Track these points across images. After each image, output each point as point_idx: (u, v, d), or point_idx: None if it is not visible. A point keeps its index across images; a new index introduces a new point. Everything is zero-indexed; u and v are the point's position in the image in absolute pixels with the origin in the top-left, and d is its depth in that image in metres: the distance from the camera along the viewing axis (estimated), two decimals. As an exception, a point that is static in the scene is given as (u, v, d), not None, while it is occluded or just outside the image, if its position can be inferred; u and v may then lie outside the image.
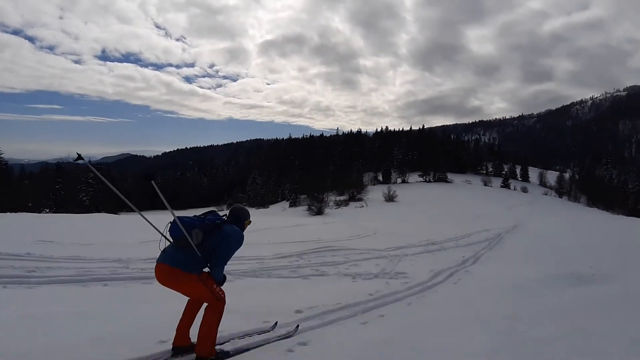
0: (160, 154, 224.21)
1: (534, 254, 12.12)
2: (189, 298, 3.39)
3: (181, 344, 3.32)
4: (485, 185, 76.38)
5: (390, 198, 54.45)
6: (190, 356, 3.21)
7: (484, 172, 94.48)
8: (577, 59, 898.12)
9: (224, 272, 3.35)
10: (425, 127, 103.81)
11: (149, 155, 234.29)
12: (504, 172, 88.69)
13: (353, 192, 59.50)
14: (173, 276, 3.08)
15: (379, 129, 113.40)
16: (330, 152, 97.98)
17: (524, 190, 75.36)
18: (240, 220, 3.47)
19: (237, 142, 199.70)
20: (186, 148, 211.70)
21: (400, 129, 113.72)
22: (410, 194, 60.63)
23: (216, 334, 3.23)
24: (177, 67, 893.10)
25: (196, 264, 3.13)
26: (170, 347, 3.33)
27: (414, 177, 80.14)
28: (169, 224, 3.12)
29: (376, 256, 10.55)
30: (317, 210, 47.59)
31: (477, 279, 7.80)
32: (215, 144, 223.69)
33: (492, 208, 46.71)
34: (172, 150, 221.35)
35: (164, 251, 3.20)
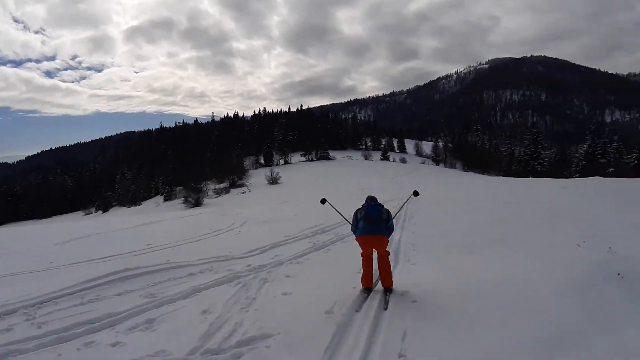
0: (23, 158, 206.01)
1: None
2: (362, 259, 5.33)
3: (369, 285, 5.25)
4: (366, 159, 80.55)
5: (273, 180, 54.14)
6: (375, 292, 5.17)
7: (364, 147, 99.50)
8: (441, 37, 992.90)
9: None
10: (303, 107, 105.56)
11: (12, 161, 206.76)
12: (382, 146, 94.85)
13: (234, 178, 58.04)
14: (381, 240, 5.25)
15: (256, 112, 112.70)
16: (207, 139, 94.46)
17: (403, 161, 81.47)
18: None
19: (106, 137, 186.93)
20: (51, 149, 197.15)
21: (279, 110, 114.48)
22: (294, 175, 60.88)
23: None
24: (37, 61, 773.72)
25: (386, 230, 5.35)
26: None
27: (296, 157, 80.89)
28: (366, 208, 5.35)
29: (220, 277, 6.34)
30: (195, 201, 45.36)
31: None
32: (82, 141, 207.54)
33: (375, 180, 49.04)
34: (36, 153, 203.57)
35: (365, 228, 5.20)
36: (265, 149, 79.21)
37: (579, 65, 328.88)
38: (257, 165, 76.55)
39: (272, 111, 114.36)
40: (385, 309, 4.60)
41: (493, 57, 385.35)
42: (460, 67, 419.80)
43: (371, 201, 5.42)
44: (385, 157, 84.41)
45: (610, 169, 54.00)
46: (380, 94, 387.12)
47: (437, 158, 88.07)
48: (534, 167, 66.33)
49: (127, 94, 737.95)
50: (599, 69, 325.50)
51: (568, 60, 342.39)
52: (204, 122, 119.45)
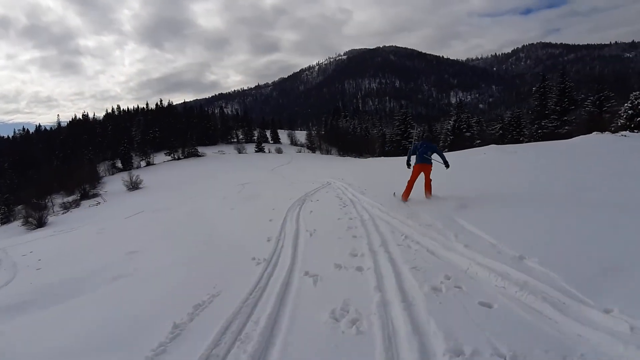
0: None
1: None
2: (410, 181, 8.41)
3: (427, 196, 8.20)
4: (240, 153, 75.56)
5: (134, 185, 46.54)
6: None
7: (236, 140, 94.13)
8: (299, 30, 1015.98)
9: None
10: (163, 102, 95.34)
11: None
12: (255, 138, 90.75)
13: (85, 188, 48.79)
14: (429, 167, 8.26)
15: (109, 111, 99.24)
16: (52, 147, 79.90)
17: (279, 151, 78.15)
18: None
19: None
20: None
21: (136, 108, 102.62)
22: (159, 176, 53.64)
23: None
24: None
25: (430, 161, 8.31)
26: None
27: (160, 157, 72.63)
28: (420, 149, 8.30)
29: None
30: (38, 221, 36.28)
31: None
32: None
33: (255, 173, 44.90)
34: None
35: (422, 159, 8.20)
36: (122, 151, 68.77)
37: (425, 54, 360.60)
38: (113, 170, 66.16)
39: (128, 109, 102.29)
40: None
41: (350, 49, 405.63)
42: (321, 59, 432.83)
43: (425, 141, 8.56)
44: (260, 149, 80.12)
45: (478, 141, 57.56)
46: (245, 88, 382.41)
47: (312, 146, 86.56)
48: (405, 146, 68.17)
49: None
50: (442, 56, 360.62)
51: (415, 49, 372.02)
52: (49, 128, 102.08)
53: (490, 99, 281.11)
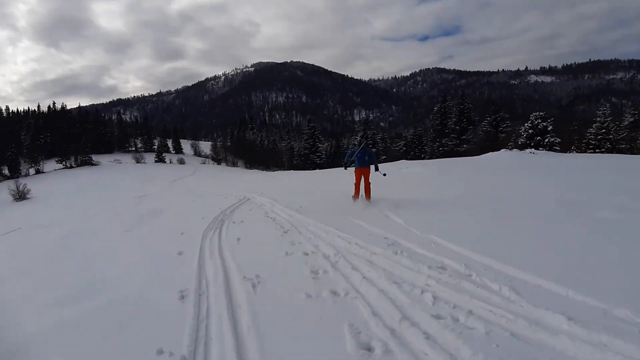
0: None
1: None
2: (362, 182, 9.50)
3: (367, 198, 9.37)
4: (138, 162, 71.78)
5: (21, 195, 42.19)
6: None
7: (134, 149, 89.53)
8: (206, 39, 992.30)
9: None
10: (56, 105, 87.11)
11: None
12: (155, 147, 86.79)
13: (-46, 197, 43.23)
14: (368, 170, 9.48)
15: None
16: None
17: (181, 161, 75.44)
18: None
19: None
20: None
21: (26, 110, 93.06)
22: (49, 186, 49.14)
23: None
24: None
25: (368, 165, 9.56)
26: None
27: (51, 165, 66.42)
28: (358, 154, 9.73)
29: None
30: None
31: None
32: None
33: (155, 185, 43.17)
34: None
35: (361, 163, 9.52)
36: (10, 157, 61.54)
37: (331, 72, 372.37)
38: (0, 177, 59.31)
39: (18, 110, 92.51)
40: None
41: (258, 61, 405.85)
42: (227, 69, 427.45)
43: (361, 146, 9.89)
44: (160, 159, 76.77)
45: (383, 157, 60.86)
46: (146, 94, 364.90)
47: (217, 157, 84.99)
48: (314, 160, 70.06)
49: None
50: (347, 75, 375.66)
51: (322, 66, 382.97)
52: None
53: (391, 118, 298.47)
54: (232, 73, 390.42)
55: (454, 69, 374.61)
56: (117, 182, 48.78)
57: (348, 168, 10.21)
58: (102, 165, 68.01)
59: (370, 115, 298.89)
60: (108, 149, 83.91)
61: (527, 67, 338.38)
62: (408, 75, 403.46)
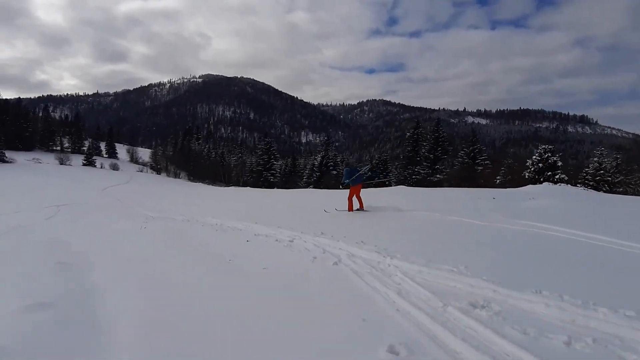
0: None
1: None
2: (350, 197, 11.12)
3: (361, 208, 10.95)
4: (61, 163, 61.55)
5: None
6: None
7: (59, 148, 78.14)
8: (152, 45, 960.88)
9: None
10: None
11: None
12: (84, 149, 76.25)
13: None
14: (360, 186, 11.07)
15: None
16: None
17: (115, 167, 65.87)
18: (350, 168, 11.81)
19: None
20: None
21: None
22: None
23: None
24: None
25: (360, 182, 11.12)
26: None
27: (-53, 157, 54.68)
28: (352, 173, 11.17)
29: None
30: None
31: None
32: None
33: (80, 192, 34.33)
34: None
35: (354, 181, 10.97)
36: None
37: (281, 91, 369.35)
38: None
39: None
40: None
41: (206, 73, 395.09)
42: (174, 78, 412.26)
43: (352, 167, 11.60)
44: (90, 162, 66.56)
45: (346, 180, 55.20)
46: (81, 93, 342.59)
47: (157, 166, 75.49)
48: (267, 178, 63.29)
49: None
50: (297, 97, 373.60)
51: (272, 85, 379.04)
52: None
53: (337, 143, 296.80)
54: (179, 82, 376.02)
55: (399, 103, 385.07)
56: (30, 184, 39.07)
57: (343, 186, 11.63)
58: (17, 163, 57.02)
59: (317, 138, 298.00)
60: (27, 146, 72.34)
61: (465, 108, 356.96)
62: (355, 104, 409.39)
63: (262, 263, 5.21)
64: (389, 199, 15.25)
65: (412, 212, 10.13)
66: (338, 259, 5.25)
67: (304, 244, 6.43)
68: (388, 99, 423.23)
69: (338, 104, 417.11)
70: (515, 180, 35.51)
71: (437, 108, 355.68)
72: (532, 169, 32.02)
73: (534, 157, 32.35)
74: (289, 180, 63.01)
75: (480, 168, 44.10)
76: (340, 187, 12.09)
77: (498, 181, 38.52)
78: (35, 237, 9.28)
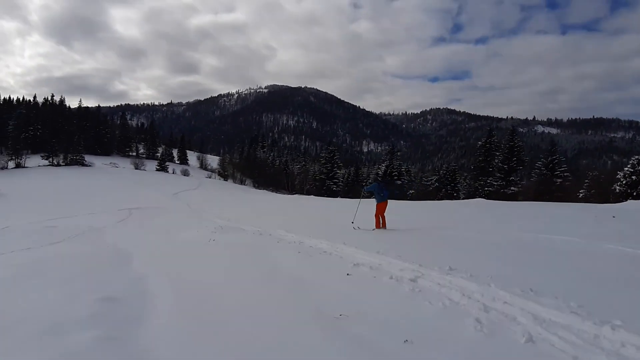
0: None
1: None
2: (376, 214, 10.53)
3: (384, 227, 10.35)
4: (136, 168, 64.08)
5: (-19, 190, 34.00)
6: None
7: (135, 154, 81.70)
8: (221, 57, 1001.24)
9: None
10: (54, 98, 79.49)
11: None
12: (158, 155, 79.25)
13: None
14: (385, 204, 10.51)
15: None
16: None
17: (185, 173, 67.65)
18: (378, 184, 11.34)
19: None
20: None
21: (19, 99, 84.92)
22: (25, 183, 41.49)
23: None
24: None
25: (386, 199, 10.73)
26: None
27: (35, 160, 58.40)
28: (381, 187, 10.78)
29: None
30: None
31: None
32: None
33: (151, 196, 34.96)
34: None
35: (381, 198, 10.46)
36: None
37: (343, 101, 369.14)
38: (-32, 167, 50.86)
39: (10, 98, 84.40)
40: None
41: (272, 83, 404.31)
42: (241, 88, 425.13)
43: (382, 185, 11.03)
44: (163, 168, 68.87)
45: (411, 191, 53.07)
46: (156, 103, 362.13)
47: (225, 173, 76.86)
48: (330, 187, 62.25)
49: None
50: (359, 106, 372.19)
51: (335, 95, 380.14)
52: None
53: (399, 153, 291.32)
54: (246, 92, 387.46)
55: (464, 111, 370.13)
56: (109, 188, 40.56)
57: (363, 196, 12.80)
58: (95, 167, 60.21)
59: (379, 147, 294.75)
60: (106, 151, 76.39)
61: (534, 117, 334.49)
62: (418, 112, 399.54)
63: (395, 328, 3.35)
64: (487, 217, 13.10)
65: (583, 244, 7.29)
66: (527, 333, 3.11)
67: (439, 289, 4.33)
68: (452, 108, 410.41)
69: (400, 113, 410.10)
70: (601, 194, 32.13)
71: (504, 117, 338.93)
72: (624, 182, 28.53)
73: (626, 168, 28.89)
74: (352, 189, 61.61)
75: (559, 180, 40.41)
76: (362, 195, 12.02)
77: (581, 195, 35.09)
78: (99, 244, 8.55)
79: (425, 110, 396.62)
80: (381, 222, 10.32)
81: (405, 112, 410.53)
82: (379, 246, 7.07)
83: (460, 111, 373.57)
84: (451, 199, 44.23)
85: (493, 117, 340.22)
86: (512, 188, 44.70)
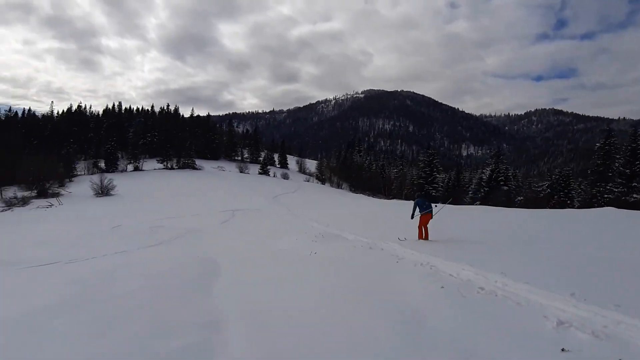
0: None
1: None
2: (420, 225, 10.08)
3: (426, 238, 9.90)
4: (241, 172, 66.35)
5: (103, 191, 36.85)
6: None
7: (240, 158, 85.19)
8: (319, 65, 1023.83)
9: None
10: (169, 107, 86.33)
11: None
12: (260, 159, 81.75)
13: (44, 184, 39.11)
14: (429, 216, 10.05)
15: (110, 107, 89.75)
16: (35, 135, 69.45)
17: (285, 176, 68.68)
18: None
19: None
20: None
21: (139, 108, 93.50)
22: (141, 185, 44.43)
23: None
24: None
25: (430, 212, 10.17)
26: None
27: (151, 164, 63.07)
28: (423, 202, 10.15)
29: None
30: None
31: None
32: None
33: (253, 198, 35.29)
34: None
35: (425, 211, 9.97)
36: (108, 150, 58.38)
37: (441, 103, 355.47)
38: (95, 170, 56.24)
39: (130, 108, 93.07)
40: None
41: (368, 88, 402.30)
42: (337, 94, 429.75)
43: (424, 198, 10.41)
44: (264, 171, 70.59)
45: (519, 198, 48.19)
46: (260, 111, 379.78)
47: (322, 176, 76.86)
48: (429, 192, 58.76)
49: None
50: (457, 108, 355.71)
51: (432, 97, 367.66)
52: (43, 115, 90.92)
53: (501, 157, 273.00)
54: (342, 98, 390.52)
55: (571, 112, 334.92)
56: (215, 190, 42.02)
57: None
58: (204, 170, 63.23)
59: (479, 151, 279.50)
60: (214, 156, 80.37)
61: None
62: (522, 114, 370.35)
63: None
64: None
65: None
66: None
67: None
68: (558, 108, 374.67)
69: (502, 115, 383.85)
70: None
71: (616, 117, 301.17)
72: None
73: None
74: (453, 195, 57.48)
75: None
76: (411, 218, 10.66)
77: None
78: (190, 251, 7.61)
79: (530, 111, 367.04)
80: (424, 233, 10.27)
81: (508, 114, 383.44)
82: (568, 281, 4.70)
83: (567, 112, 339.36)
84: (564, 207, 39.07)
85: (604, 117, 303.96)
86: (634, 195, 38.21)
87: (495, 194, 48.78)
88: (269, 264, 6.40)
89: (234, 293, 4.67)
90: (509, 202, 43.66)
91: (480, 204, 45.96)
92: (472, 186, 56.60)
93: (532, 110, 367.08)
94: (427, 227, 10.20)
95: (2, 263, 7.20)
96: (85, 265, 6.98)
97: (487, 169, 54.86)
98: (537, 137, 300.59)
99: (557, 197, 44.70)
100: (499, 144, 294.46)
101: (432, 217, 10.26)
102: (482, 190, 52.05)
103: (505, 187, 50.62)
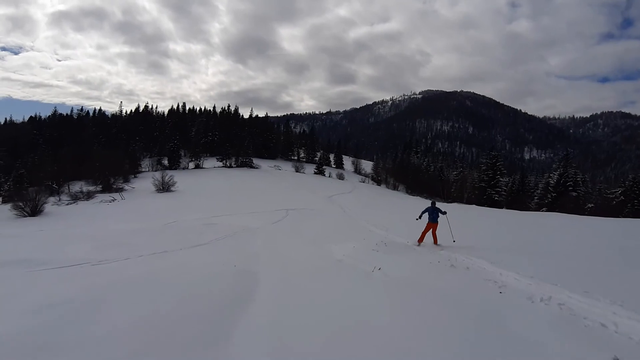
0: None
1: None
2: (424, 231, 10.95)
3: (435, 244, 10.73)
4: (297, 171, 65.90)
5: (164, 187, 37.45)
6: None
7: (296, 158, 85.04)
8: (376, 66, 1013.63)
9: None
10: (230, 108, 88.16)
11: None
12: (316, 159, 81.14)
13: (109, 180, 40.43)
14: (436, 225, 10.90)
15: (174, 107, 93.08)
16: (104, 132, 73.00)
17: (340, 177, 67.46)
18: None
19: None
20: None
21: (201, 109, 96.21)
22: (200, 182, 45.02)
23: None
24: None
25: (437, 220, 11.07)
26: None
27: (211, 162, 64.22)
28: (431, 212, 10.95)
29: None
30: (31, 209, 28.06)
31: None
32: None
33: (307, 198, 34.37)
34: None
35: (432, 219, 10.89)
36: (171, 148, 60.01)
37: (502, 104, 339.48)
38: (158, 167, 57.92)
39: (193, 108, 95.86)
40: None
41: (426, 89, 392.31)
42: (394, 95, 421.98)
43: (432, 205, 11.20)
44: (320, 171, 69.73)
45: (590, 205, 44.12)
46: (317, 112, 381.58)
47: (378, 178, 74.90)
48: (491, 195, 55.25)
49: (47, 82, 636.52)
50: (520, 110, 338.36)
51: (493, 98, 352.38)
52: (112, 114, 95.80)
53: (569, 161, 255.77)
54: (399, 99, 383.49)
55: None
56: (271, 188, 41.67)
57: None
58: (261, 169, 63.42)
59: (542, 155, 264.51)
60: (271, 155, 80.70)
61: None
62: (587, 116, 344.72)
63: None
64: None
65: None
66: None
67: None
68: (627, 111, 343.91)
69: (567, 117, 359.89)
70: None
71: None
72: None
73: None
74: (517, 200, 53.57)
75: None
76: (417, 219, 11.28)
77: None
78: (234, 256, 6.49)
79: (596, 114, 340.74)
80: (433, 239, 10.95)
81: (572, 116, 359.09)
82: None
83: (636, 115, 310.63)
84: (639, 216, 34.96)
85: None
86: None
87: (563, 200, 44.98)
88: (322, 286, 4.97)
89: (264, 341, 3.31)
90: (578, 209, 39.84)
91: (546, 210, 42.50)
92: (538, 191, 52.64)
93: (598, 113, 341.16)
94: (435, 234, 10.94)
95: (26, 262, 6.45)
96: (106, 270, 6.05)
97: (555, 173, 50.89)
98: (603, 142, 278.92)
99: (632, 205, 40.38)
100: (563, 147, 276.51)
101: (437, 226, 10.92)
102: (549, 196, 48.25)
103: (574, 193, 46.61)
